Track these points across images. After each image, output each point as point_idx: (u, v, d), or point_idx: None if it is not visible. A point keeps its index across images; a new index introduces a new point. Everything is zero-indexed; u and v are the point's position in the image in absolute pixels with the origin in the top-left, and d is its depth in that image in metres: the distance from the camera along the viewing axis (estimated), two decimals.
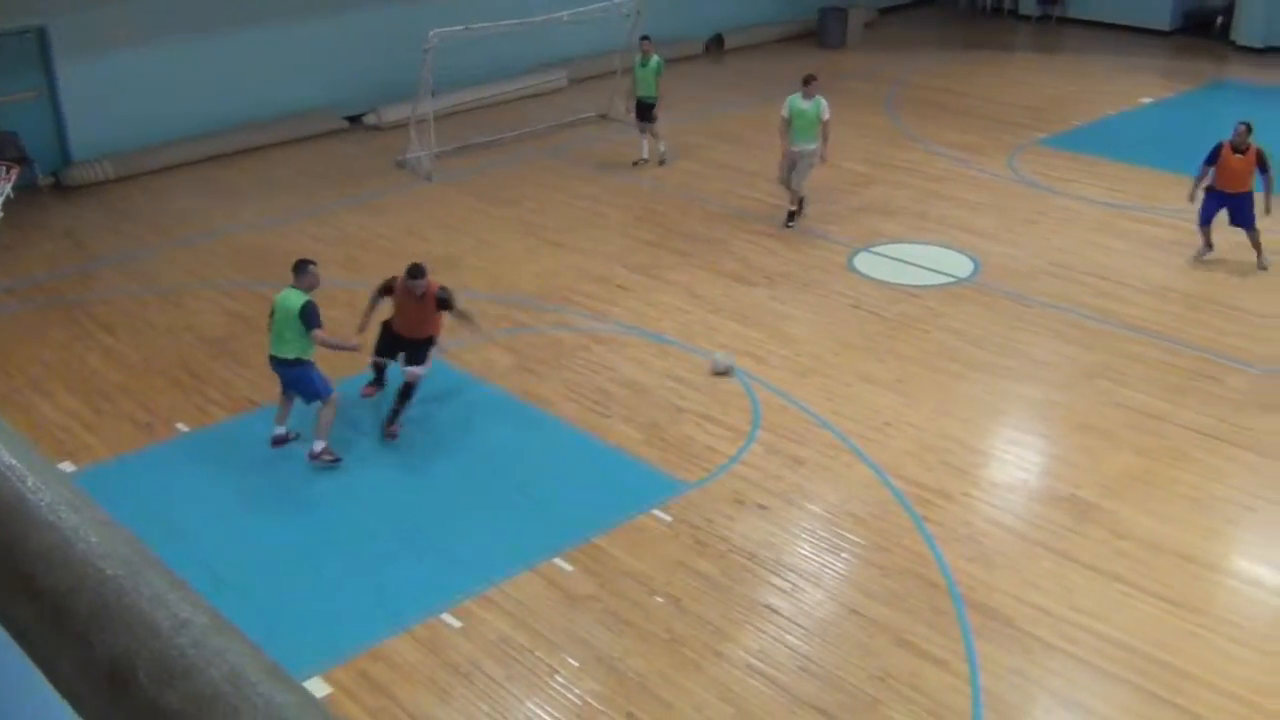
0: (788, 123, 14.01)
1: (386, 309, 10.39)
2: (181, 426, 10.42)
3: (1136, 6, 24.74)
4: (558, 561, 8.54)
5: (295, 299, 9.42)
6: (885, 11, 26.56)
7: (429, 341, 10.33)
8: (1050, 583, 8.30)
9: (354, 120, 19.03)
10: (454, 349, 11.71)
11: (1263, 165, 12.88)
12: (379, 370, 10.57)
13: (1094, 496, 9.28)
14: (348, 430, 10.26)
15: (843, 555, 8.65)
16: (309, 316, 9.36)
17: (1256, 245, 13.07)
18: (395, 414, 10.17)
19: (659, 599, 8.18)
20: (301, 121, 18.49)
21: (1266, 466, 9.65)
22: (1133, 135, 18.46)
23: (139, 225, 15.15)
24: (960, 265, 13.48)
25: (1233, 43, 23.49)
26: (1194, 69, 22.28)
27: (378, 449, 10.06)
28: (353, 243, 14.36)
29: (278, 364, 9.68)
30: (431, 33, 16.26)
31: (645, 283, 13.13)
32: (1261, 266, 13.09)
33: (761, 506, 9.17)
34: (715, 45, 23.73)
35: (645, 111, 16.53)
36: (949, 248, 13.98)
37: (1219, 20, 24.16)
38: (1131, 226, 14.57)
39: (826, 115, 14.02)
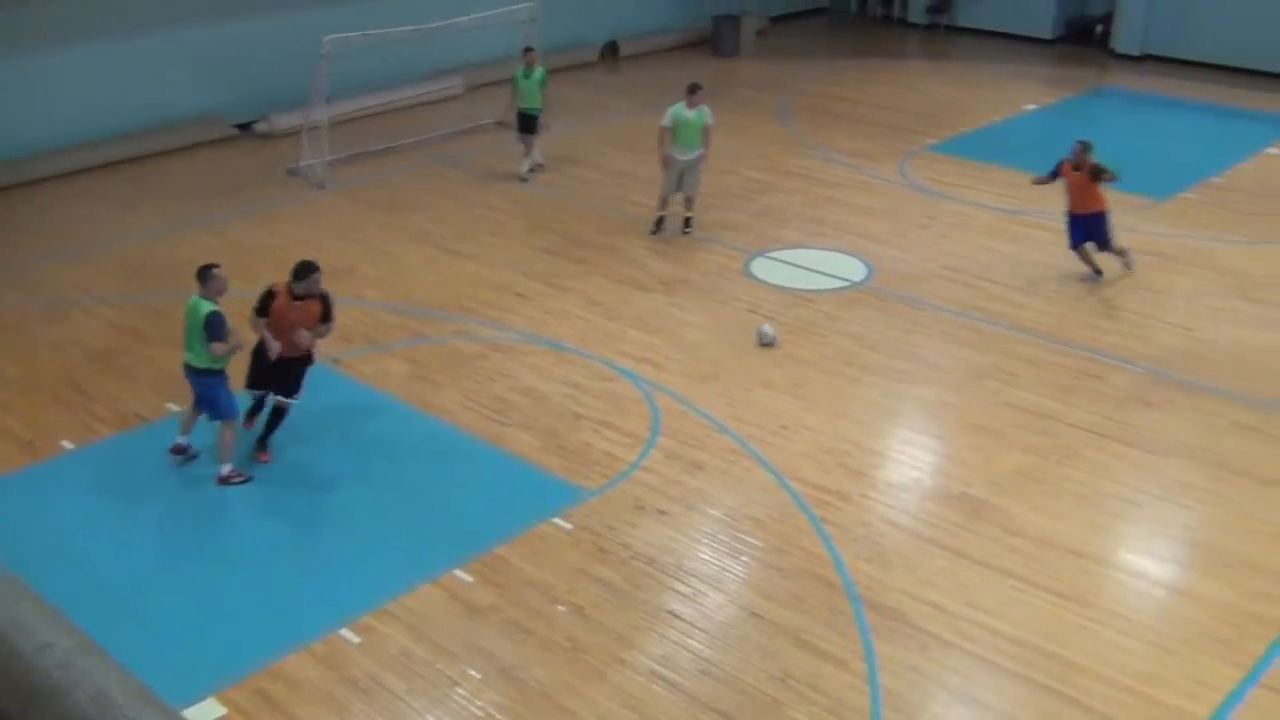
0: (669, 132, 14.02)
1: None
2: (66, 444, 10.12)
3: (1020, 16, 25.37)
4: (458, 573, 8.47)
5: (202, 307, 9.20)
6: (777, 20, 26.87)
7: (305, 363, 9.80)
8: (945, 580, 8.46)
9: (244, 128, 18.69)
10: (349, 359, 11.57)
11: (1101, 179, 12.91)
12: (258, 401, 10.07)
13: (986, 494, 9.48)
14: (241, 445, 10.06)
15: (743, 559, 8.71)
16: (211, 328, 9.14)
17: (1119, 253, 13.29)
18: (264, 441, 9.88)
19: (561, 607, 8.15)
20: (191, 129, 18.11)
21: (1149, 462, 9.94)
22: (1019, 141, 18.91)
23: (23, 235, 14.70)
24: (855, 270, 13.68)
25: (1112, 50, 24.20)
26: (1075, 76, 22.91)
27: (272, 463, 9.87)
28: (245, 253, 14.10)
29: (188, 372, 9.47)
30: (326, 38, 16.06)
31: (544, 291, 13.09)
32: (1126, 266, 13.39)
33: (662, 512, 9.20)
34: (610, 52, 23.79)
35: (529, 123, 16.30)
36: (844, 253, 14.18)
37: (1098, 29, 24.88)
38: (1019, 230, 14.92)
39: (710, 122, 14.13)
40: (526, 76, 16.14)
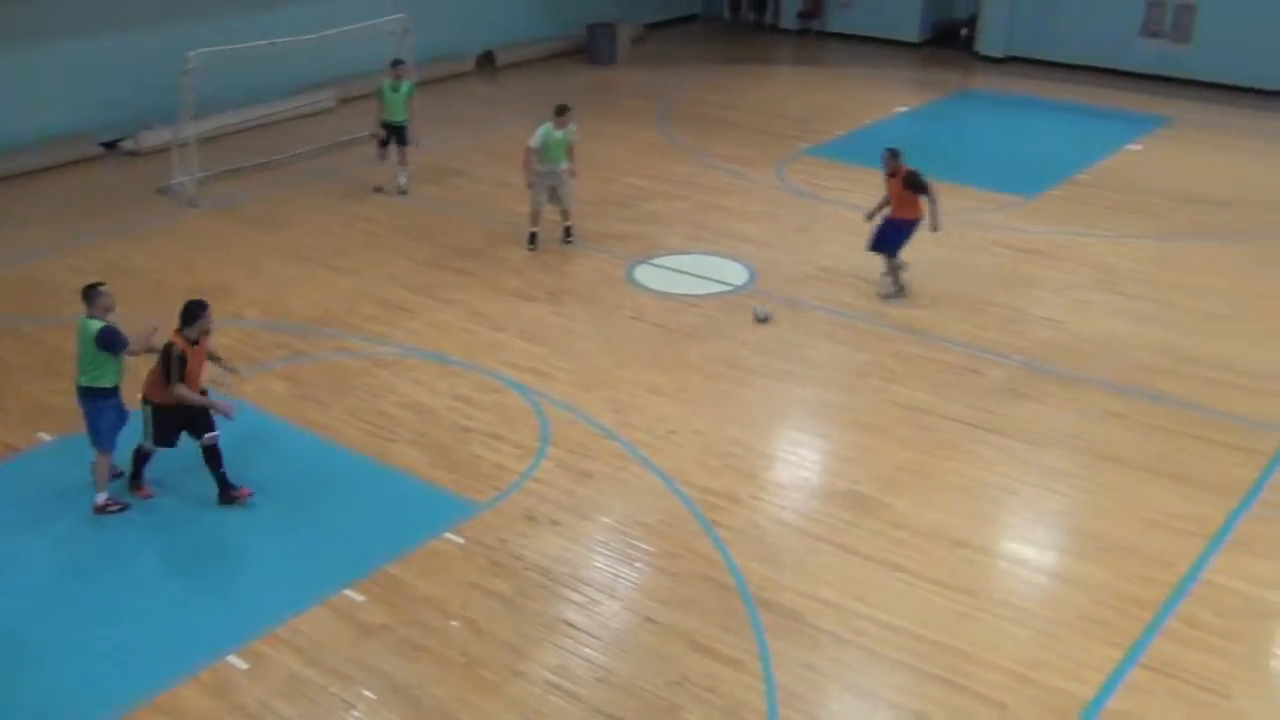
0: (537, 152, 13.96)
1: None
2: None
3: (888, 20, 25.92)
4: (348, 593, 8.35)
5: (91, 326, 8.96)
6: (652, 28, 27.04)
7: (153, 408, 9.15)
8: (835, 576, 8.59)
9: (111, 146, 18.18)
10: (228, 380, 11.31)
11: (915, 187, 12.82)
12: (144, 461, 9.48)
13: (871, 490, 9.65)
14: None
15: (636, 565, 8.74)
16: (109, 342, 8.92)
17: (893, 269, 13.19)
18: (224, 484, 9.33)
19: (455, 623, 8.08)
20: (55, 148, 17.53)
21: (1025, 452, 10.23)
22: (890, 142, 19.14)
23: None
24: (737, 274, 13.82)
25: (977, 53, 24.86)
26: (942, 79, 23.48)
27: (154, 483, 9.60)
28: (117, 274, 13.68)
29: (79, 395, 9.18)
30: (190, 54, 15.71)
31: (426, 303, 12.97)
32: (899, 286, 13.24)
33: (554, 522, 9.18)
34: (487, 62, 23.69)
35: (400, 134, 16.16)
36: (726, 257, 14.31)
37: (963, 32, 25.54)
38: None
39: (576, 138, 14.19)
40: (395, 90, 15.97)
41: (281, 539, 9.02)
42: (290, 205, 16.02)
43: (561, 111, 13.97)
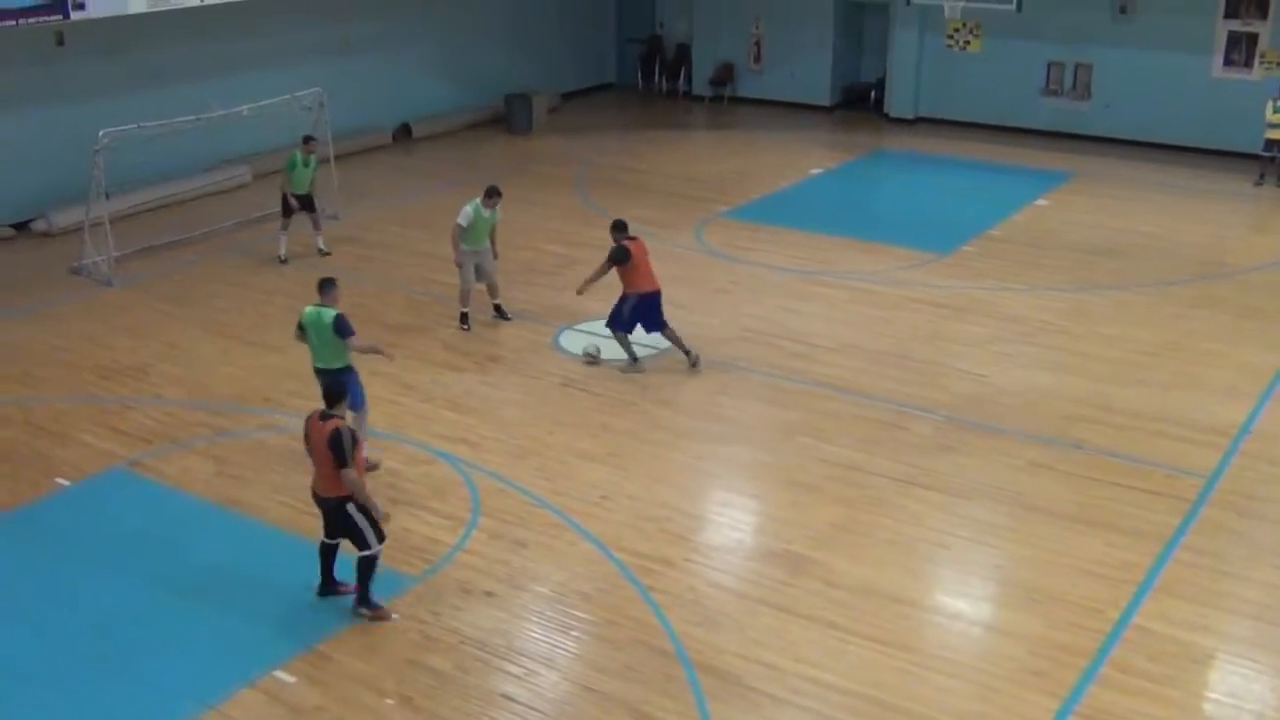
0: (464, 230, 13.87)
1: None
2: None
3: (799, 85, 26.40)
4: (278, 674, 8.15)
5: (326, 314, 10.25)
6: (568, 96, 27.28)
7: (341, 506, 8.59)
8: (772, 638, 8.57)
9: (21, 227, 17.84)
10: (149, 460, 11.08)
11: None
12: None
13: (805, 549, 9.67)
14: (27, 561, 9.52)
15: (573, 634, 8.65)
16: (342, 327, 10.20)
17: (676, 341, 13.05)
18: (362, 596, 8.79)
19: (390, 701, 7.92)
20: None
21: (954, 505, 10.33)
22: (806, 204, 19.63)
23: None
24: (660, 338, 13.84)
25: (886, 115, 25.41)
26: (855, 140, 23.94)
27: (64, 574, 9.33)
28: (27, 357, 13.39)
29: (317, 373, 10.38)
30: (101, 132, 15.53)
31: None
32: (691, 361, 13.01)
33: (489, 593, 9.06)
34: (403, 134, 23.71)
35: (307, 202, 16.38)
36: None
37: (873, 94, 26.11)
38: (814, 290, 15.40)
39: (499, 220, 14.13)
40: (305, 164, 16.07)
41: (204, 621, 8.79)
42: (207, 282, 15.82)
43: (492, 194, 13.83)
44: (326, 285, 10.50)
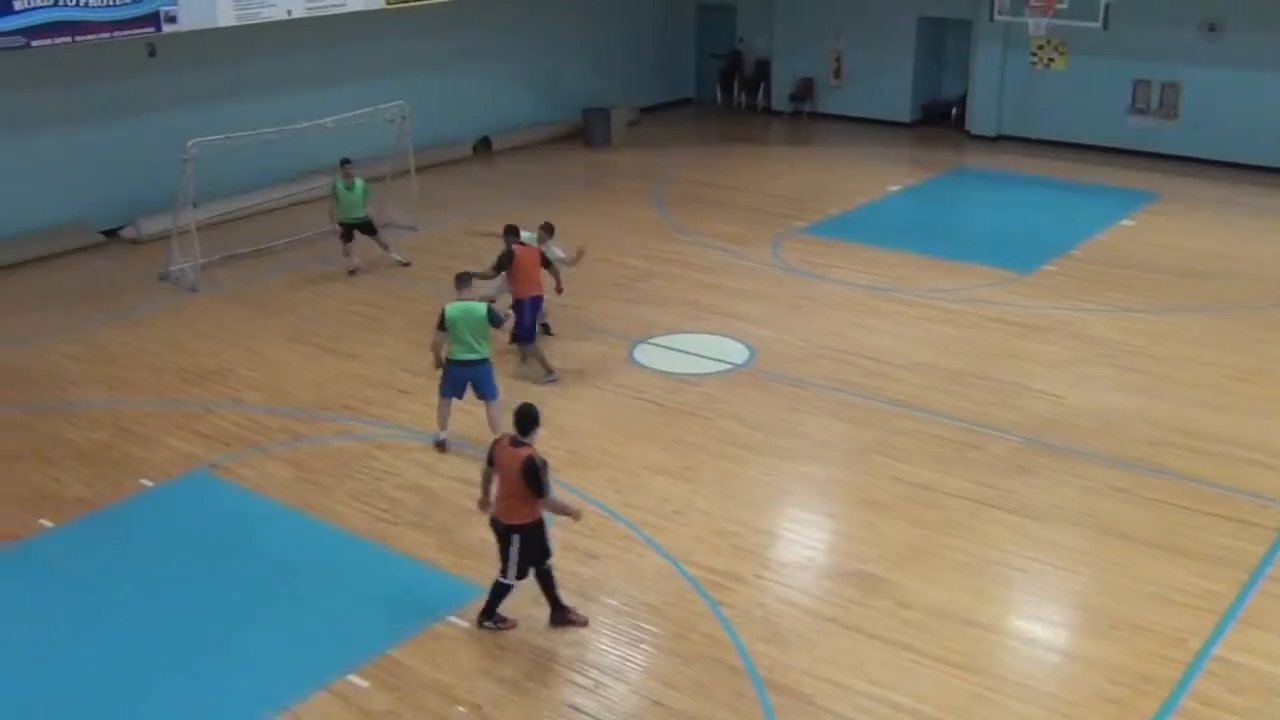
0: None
1: None
2: None
3: (879, 101, 26.26)
4: (352, 678, 8.24)
5: (477, 308, 11.12)
6: (647, 111, 27.38)
7: (510, 532, 8.53)
8: (844, 657, 8.49)
9: (111, 234, 18.29)
10: (229, 464, 11.28)
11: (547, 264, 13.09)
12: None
13: (878, 569, 9.58)
14: (110, 561, 9.74)
15: (642, 647, 8.64)
16: (495, 318, 11.19)
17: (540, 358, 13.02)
18: (487, 611, 8.80)
19: (461, 708, 7.97)
20: (54, 237, 17.64)
21: (1030, 527, 10.17)
22: (884, 221, 19.49)
23: None
24: (736, 352, 13.85)
25: (967, 132, 25.18)
26: (935, 158, 23.74)
27: (146, 576, 9.53)
28: (113, 360, 13.72)
29: (465, 366, 11.17)
30: (190, 142, 15.87)
31: (427, 386, 12.91)
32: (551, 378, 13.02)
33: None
34: (483, 147, 23.95)
35: (365, 227, 16.46)
36: (724, 336, 14.35)
37: (954, 111, 25.88)
38: (890, 307, 15.29)
39: (556, 254, 13.83)
40: (349, 189, 16.20)
41: (282, 623, 8.93)
42: (289, 290, 16.09)
43: (545, 229, 13.82)
44: (464, 279, 11.22)
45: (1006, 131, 24.71)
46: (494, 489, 8.62)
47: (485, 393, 11.35)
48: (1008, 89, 24.55)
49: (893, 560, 9.70)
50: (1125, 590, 9.29)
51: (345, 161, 16.45)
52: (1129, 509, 10.47)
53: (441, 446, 11.46)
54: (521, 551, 8.49)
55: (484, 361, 11.27)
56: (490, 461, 8.62)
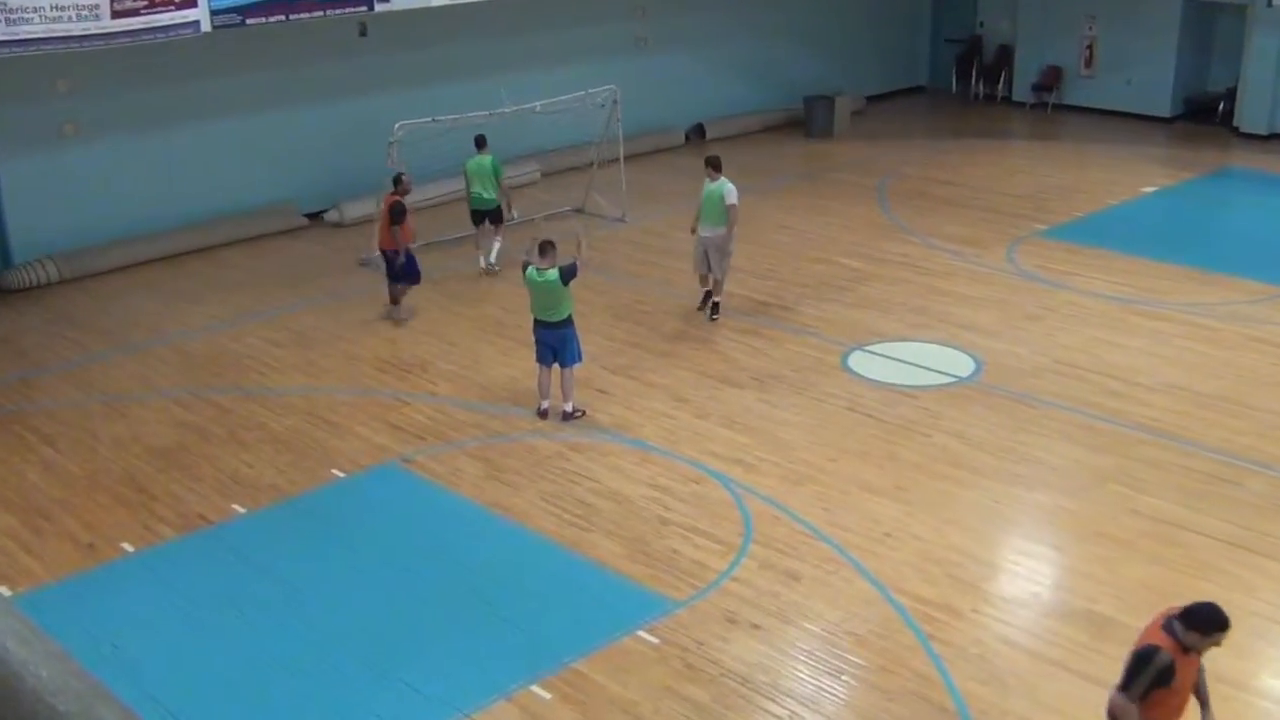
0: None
1: None
2: (127, 547, 10.28)
3: (1135, 93, 25.28)
4: (535, 689, 8.40)
5: (552, 274, 11.87)
6: (874, 100, 27.06)
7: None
8: (1069, 705, 8.19)
9: (314, 217, 19.15)
10: (421, 457, 11.65)
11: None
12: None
13: (1112, 611, 9.20)
14: (300, 551, 10.17)
15: (843, 678, 8.53)
16: (569, 274, 11.91)
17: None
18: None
19: None
20: (257, 219, 18.60)
21: None
22: (1137, 226, 18.73)
23: (83, 330, 15.12)
24: (961, 364, 13.54)
25: (1236, 129, 23.99)
26: (1197, 157, 22.71)
27: (334, 568, 9.93)
28: (311, 346, 14.35)
29: (547, 327, 12.09)
30: (397, 125, 16.46)
31: (626, 385, 13.12)
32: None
33: (755, 626, 9.06)
34: (697, 134, 24.09)
35: (495, 215, 16.66)
36: (948, 346, 14.06)
37: (1221, 107, 24.70)
38: (1140, 322, 14.69)
39: (731, 200, 14.36)
40: (478, 168, 16.46)
41: (464, 626, 9.17)
42: (492, 280, 16.52)
43: (714, 164, 14.74)
44: (548, 248, 12.03)
45: None
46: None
47: (562, 354, 12.16)
48: None
49: (1127, 602, 9.29)
50: None
51: (481, 139, 16.67)
52: None
53: (544, 415, 12.35)
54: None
55: (564, 322, 12.09)
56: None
